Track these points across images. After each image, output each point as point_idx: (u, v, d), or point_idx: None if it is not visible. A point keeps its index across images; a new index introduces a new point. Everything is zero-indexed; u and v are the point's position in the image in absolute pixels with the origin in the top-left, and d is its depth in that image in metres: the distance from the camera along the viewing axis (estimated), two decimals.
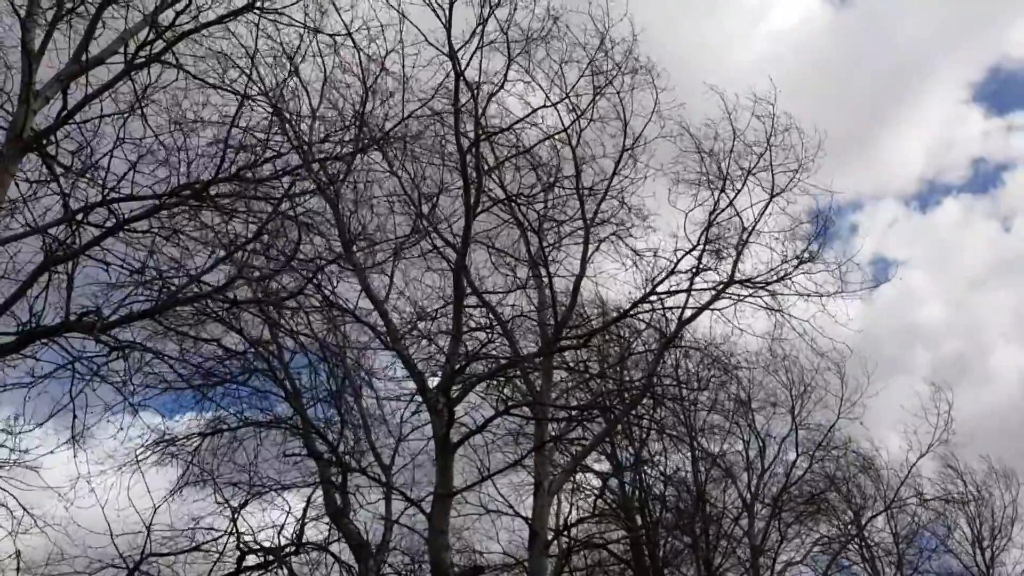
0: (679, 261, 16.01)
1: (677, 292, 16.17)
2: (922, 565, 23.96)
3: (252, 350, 14.66)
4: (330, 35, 11.60)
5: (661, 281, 15.94)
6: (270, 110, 11.67)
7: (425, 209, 15.09)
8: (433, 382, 14.61)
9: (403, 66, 13.57)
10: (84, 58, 10.26)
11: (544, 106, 15.31)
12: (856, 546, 22.66)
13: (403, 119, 13.30)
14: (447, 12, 13.88)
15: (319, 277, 11.89)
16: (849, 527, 22.58)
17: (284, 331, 14.35)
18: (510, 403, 16.11)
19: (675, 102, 15.81)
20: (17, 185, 10.26)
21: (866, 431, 22.65)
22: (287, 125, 12.00)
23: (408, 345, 14.84)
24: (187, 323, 12.01)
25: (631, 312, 16.05)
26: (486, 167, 15.50)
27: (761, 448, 20.79)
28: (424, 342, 15.55)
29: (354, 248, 13.70)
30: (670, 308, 16.17)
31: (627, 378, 17.14)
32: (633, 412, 16.34)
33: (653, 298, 16.14)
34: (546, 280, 16.64)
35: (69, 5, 10.19)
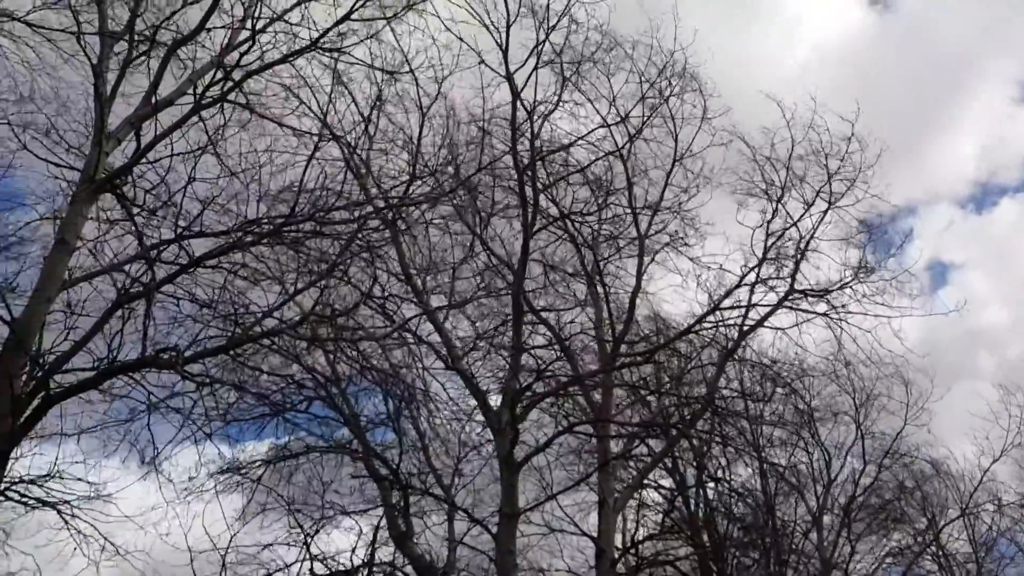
0: (744, 277, 15.88)
1: (737, 306, 16.02)
2: (1001, 573, 23.31)
3: (314, 377, 14.82)
4: (390, 72, 11.70)
5: (724, 297, 15.80)
6: (336, 145, 11.85)
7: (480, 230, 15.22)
8: (494, 401, 14.69)
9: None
10: (154, 100, 10.50)
11: (601, 126, 15.37)
12: (931, 555, 22.14)
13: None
14: (504, 35, 14.02)
15: (385, 306, 12.03)
16: (923, 535, 22.08)
17: (346, 359, 14.50)
18: (572, 421, 16.09)
19: (722, 109, 15.82)
20: (98, 224, 10.49)
21: (934, 438, 22.00)
22: (354, 161, 12.17)
23: (469, 365, 14.95)
24: (261, 356, 12.18)
25: (692, 328, 15.93)
26: (541, 186, 15.56)
27: (827, 459, 20.45)
28: (485, 362, 15.69)
29: (415, 272, 13.87)
30: (730, 322, 15.99)
31: (688, 393, 17.00)
32: (696, 427, 16.21)
33: (714, 314, 16.00)
34: (603, 296, 16.62)
35: (140, 50, 10.42)
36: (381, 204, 11.56)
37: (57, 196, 10.66)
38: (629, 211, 16.30)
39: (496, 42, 14.12)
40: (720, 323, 16.04)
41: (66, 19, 10.76)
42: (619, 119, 15.39)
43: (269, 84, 11.24)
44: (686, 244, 16.68)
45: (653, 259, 16.78)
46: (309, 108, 11.71)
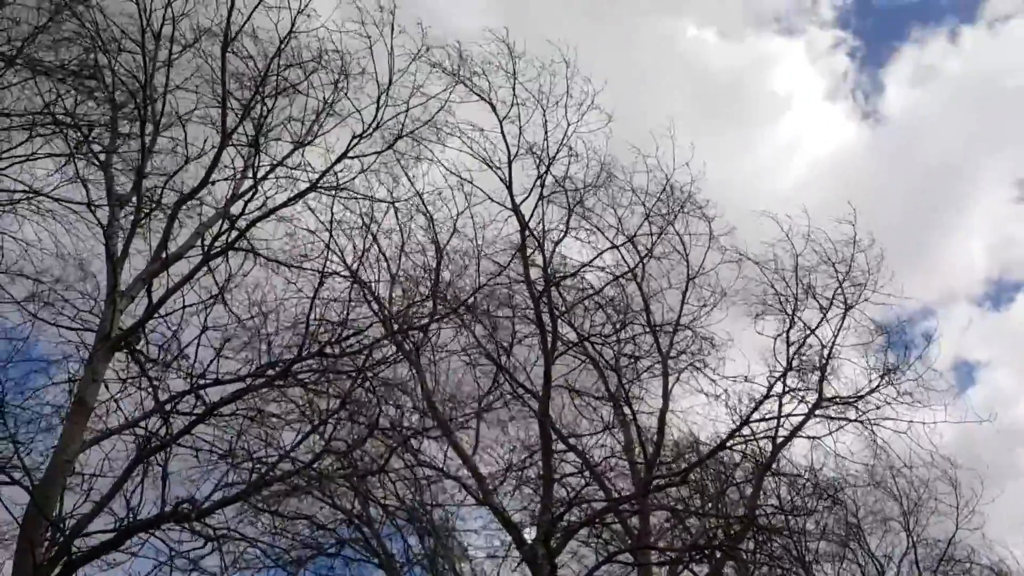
0: (770, 388, 15.58)
1: (767, 418, 15.66)
2: None
3: (343, 520, 14.55)
4: (391, 202, 12.04)
5: (753, 411, 15.47)
6: (349, 281, 12.08)
7: (502, 360, 15.21)
8: (528, 534, 14.26)
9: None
10: (164, 255, 10.80)
11: (609, 248, 15.59)
12: None
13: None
14: (507, 172, 14.50)
15: (406, 442, 11.92)
16: None
17: (373, 500, 14.26)
18: (612, 550, 15.52)
19: (726, 228, 16.04)
20: (121, 376, 10.62)
21: (989, 541, 20.83)
22: (366, 294, 12.38)
23: (500, 499, 14.61)
24: (278, 500, 12.01)
25: (725, 444, 15.53)
26: (558, 312, 15.63)
27: (880, 570, 19.40)
28: (515, 494, 15.33)
29: (438, 408, 13.77)
30: (762, 436, 15.59)
31: (727, 511, 16.41)
32: (739, 547, 15.55)
33: (744, 428, 15.65)
34: (631, 418, 16.34)
35: (146, 210, 10.81)
36: (390, 331, 11.58)
37: (72, 358, 10.82)
38: (648, 331, 16.27)
39: (500, 179, 14.63)
40: (752, 437, 15.65)
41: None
42: (626, 240, 15.58)
43: (274, 226, 11.54)
44: (706, 364, 16.54)
45: (678, 378, 16.61)
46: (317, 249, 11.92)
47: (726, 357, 16.23)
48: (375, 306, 12.82)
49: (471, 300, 14.04)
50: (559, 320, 15.46)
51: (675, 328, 16.14)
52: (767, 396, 15.49)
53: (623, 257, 15.97)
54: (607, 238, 15.79)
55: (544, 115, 14.83)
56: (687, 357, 16.29)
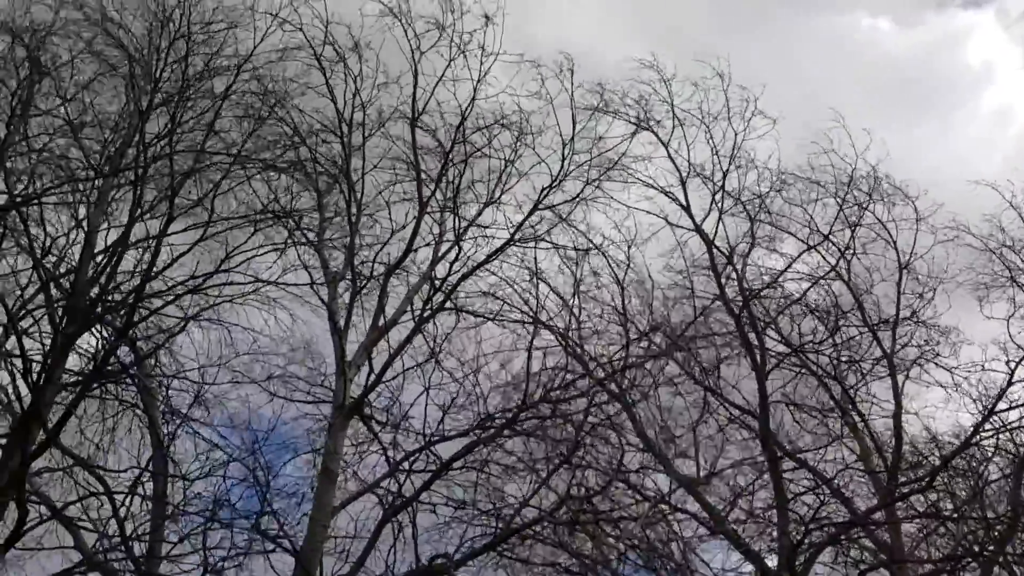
0: (1013, 373, 14.35)
1: (1016, 406, 14.38)
2: None
3: (586, 566, 14.55)
4: (581, 249, 12.28)
5: (998, 399, 14.27)
6: (558, 329, 12.37)
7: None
8: (770, 561, 13.74)
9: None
10: (381, 323, 11.46)
11: (806, 249, 15.02)
12: None
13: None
14: (683, 194, 14.43)
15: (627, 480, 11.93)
16: None
17: (608, 543, 14.22)
18: (864, 567, 14.67)
19: (933, 206, 15.09)
20: (355, 442, 11.33)
21: None
22: (576, 340, 12.58)
23: (733, 526, 14.19)
24: (526, 547, 12.24)
25: (971, 440, 14.40)
26: (762, 325, 15.18)
27: None
28: (748, 520, 14.84)
29: (653, 441, 13.66)
30: (1015, 425, 14.32)
31: (983, 511, 15.13)
32: (1007, 551, 14.26)
33: (993, 418, 14.44)
34: (862, 425, 15.50)
35: (360, 284, 11.57)
36: (602, 375, 11.73)
37: (312, 431, 11.61)
38: (866, 329, 15.46)
39: (674, 200, 14.55)
40: (1003, 428, 14.41)
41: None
42: (823, 237, 14.97)
43: (478, 284, 12.03)
44: (936, 354, 15.48)
45: (907, 376, 15.63)
46: (520, 301, 12.31)
47: (961, 342, 15.15)
48: (587, 350, 13.01)
49: (685, 332, 13.94)
50: (764, 334, 15.01)
51: (895, 321, 15.24)
52: (1011, 382, 14.29)
53: (823, 257, 15.36)
54: (801, 240, 15.26)
55: (708, 131, 14.73)
56: (914, 351, 15.34)
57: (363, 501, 11.28)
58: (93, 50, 12.20)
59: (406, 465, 11.23)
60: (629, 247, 14.08)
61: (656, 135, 14.60)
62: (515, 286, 13.08)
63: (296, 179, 12.22)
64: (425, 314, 11.70)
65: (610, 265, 14.13)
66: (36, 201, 11.11)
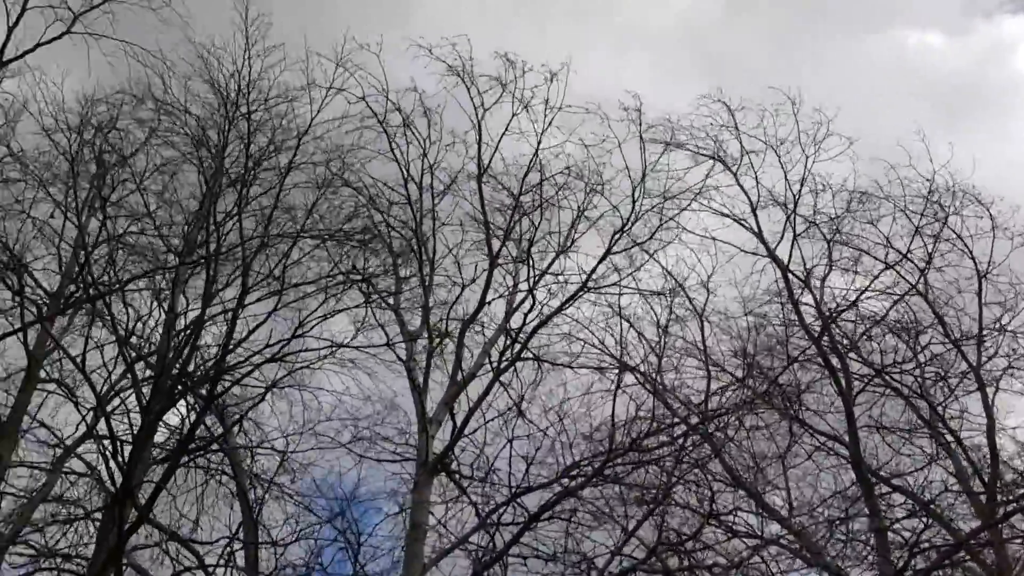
0: None
1: None
2: None
3: None
4: (657, 293, 12.21)
5: None
6: (642, 374, 12.28)
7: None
8: None
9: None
10: (459, 378, 11.48)
11: (884, 269, 14.71)
12: None
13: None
14: (754, 222, 14.31)
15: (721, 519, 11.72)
16: None
17: None
18: None
19: (1009, 211, 14.62)
20: (442, 498, 11.32)
21: None
22: (655, 385, 12.46)
23: (832, 557, 13.78)
24: None
25: None
26: (843, 348, 14.84)
27: None
28: (845, 549, 14.39)
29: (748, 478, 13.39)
30: None
31: None
32: None
33: None
34: (955, 443, 14.95)
35: (437, 340, 11.63)
36: (694, 421, 11.59)
37: (399, 490, 11.64)
38: (950, 345, 15.00)
39: (748, 228, 14.42)
40: None
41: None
42: (901, 256, 14.65)
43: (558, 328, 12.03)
44: None
45: (997, 388, 15.09)
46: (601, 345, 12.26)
47: None
48: (671, 389, 12.86)
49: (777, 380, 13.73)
50: (847, 358, 14.66)
51: (979, 333, 14.76)
52: None
53: (900, 275, 15.00)
54: (878, 259, 14.94)
55: (778, 156, 14.60)
56: (1002, 361, 14.82)
57: (454, 557, 11.24)
58: (161, 138, 12.60)
59: (494, 518, 11.16)
60: (708, 280, 13.95)
61: (726, 165, 14.58)
62: (593, 329, 13.10)
63: (368, 243, 12.40)
64: (502, 365, 11.70)
65: (689, 301, 14.07)
66: (120, 289, 11.45)
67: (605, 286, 12.38)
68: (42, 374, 12.07)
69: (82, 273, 11.26)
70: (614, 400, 10.89)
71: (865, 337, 15.23)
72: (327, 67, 12.23)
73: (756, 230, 14.46)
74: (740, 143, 14.54)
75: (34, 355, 11.83)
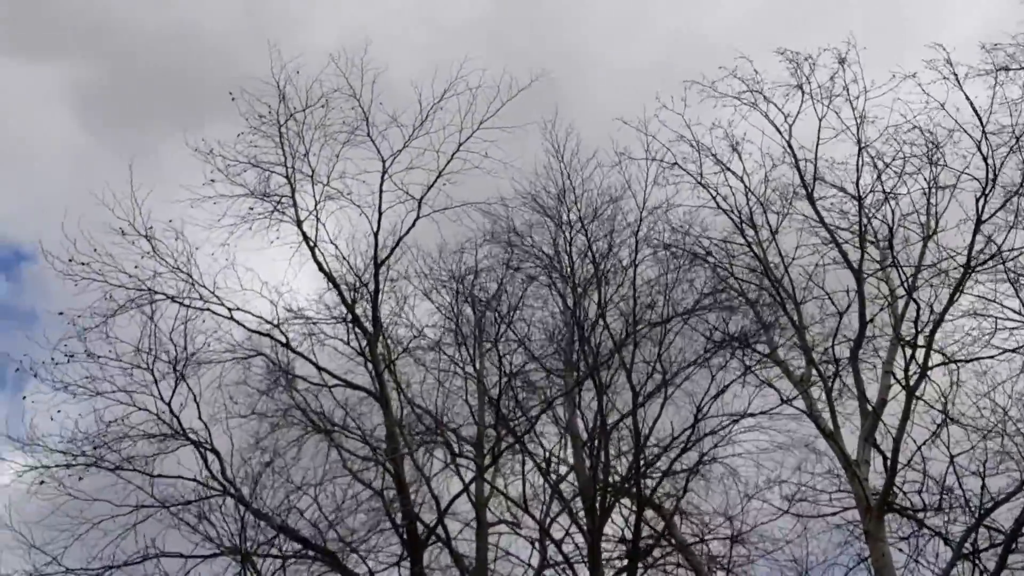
0: None
1: None
2: None
3: None
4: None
5: None
6: None
7: None
8: None
9: None
10: (867, 406, 10.61)
11: None
12: None
13: None
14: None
15: None
16: None
17: None
18: None
19: None
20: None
21: None
22: None
23: None
24: None
25: None
26: None
27: None
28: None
29: None
30: None
31: None
32: None
33: None
34: None
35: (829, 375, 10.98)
36: None
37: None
38: None
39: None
40: None
41: None
42: None
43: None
44: None
45: None
46: None
47: None
48: None
49: None
50: None
51: None
52: None
53: None
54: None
55: None
56: None
57: None
58: (524, 272, 13.26)
59: (968, 546, 10.06)
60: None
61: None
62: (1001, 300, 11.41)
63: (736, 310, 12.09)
64: (913, 376, 10.69)
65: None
66: (532, 426, 12.21)
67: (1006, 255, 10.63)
68: (489, 517, 13.00)
69: (498, 420, 12.14)
70: None
71: None
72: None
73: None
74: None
75: (479, 503, 12.81)
